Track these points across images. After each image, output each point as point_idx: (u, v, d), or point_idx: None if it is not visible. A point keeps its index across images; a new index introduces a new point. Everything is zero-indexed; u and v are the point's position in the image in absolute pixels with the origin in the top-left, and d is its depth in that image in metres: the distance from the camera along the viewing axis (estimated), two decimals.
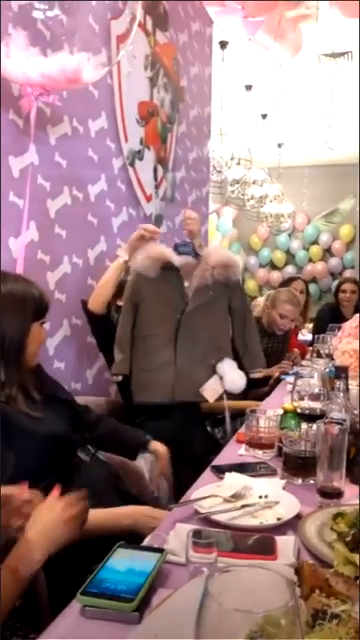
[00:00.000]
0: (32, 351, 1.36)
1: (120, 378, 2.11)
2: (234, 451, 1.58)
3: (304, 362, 3.00)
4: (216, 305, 2.19)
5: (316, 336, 3.62)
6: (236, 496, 1.18)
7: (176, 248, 2.18)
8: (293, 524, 1.08)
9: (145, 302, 2.12)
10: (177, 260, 2.14)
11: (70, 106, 2.06)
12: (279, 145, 6.57)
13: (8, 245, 1.78)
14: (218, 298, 2.19)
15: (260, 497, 1.19)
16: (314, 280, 8.12)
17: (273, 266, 8.44)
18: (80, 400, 1.69)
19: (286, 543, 1.00)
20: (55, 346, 2.08)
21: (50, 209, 2.03)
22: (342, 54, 4.56)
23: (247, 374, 2.24)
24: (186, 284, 2.18)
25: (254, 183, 5.86)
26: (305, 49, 4.38)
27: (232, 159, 4.86)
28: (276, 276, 8.23)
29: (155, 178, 2.85)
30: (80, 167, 2.19)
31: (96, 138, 2.29)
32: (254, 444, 1.55)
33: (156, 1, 2.67)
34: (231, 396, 2.40)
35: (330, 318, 4.16)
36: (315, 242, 8.15)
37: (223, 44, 4.41)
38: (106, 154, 2.39)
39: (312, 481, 1.28)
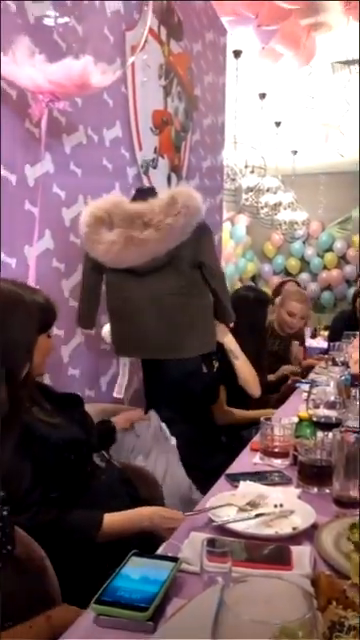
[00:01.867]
0: (38, 362, 1.32)
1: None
2: (248, 459, 1.57)
3: (319, 370, 2.98)
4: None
5: (331, 344, 3.59)
6: (251, 505, 1.17)
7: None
8: (309, 534, 1.07)
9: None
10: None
11: (85, 115, 2.08)
12: (293, 152, 6.57)
13: (24, 253, 1.80)
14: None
15: (275, 506, 1.18)
16: (329, 287, 8.07)
17: (287, 274, 8.41)
18: (93, 407, 1.70)
19: (302, 553, 0.99)
20: (69, 353, 2.08)
21: (65, 217, 2.05)
22: (356, 61, 4.56)
23: None
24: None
25: (268, 191, 5.86)
26: (319, 57, 4.39)
27: (246, 167, 4.87)
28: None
29: (169, 186, 2.86)
30: (95, 176, 2.21)
31: (111, 147, 2.31)
32: (269, 452, 1.53)
33: (169, 11, 2.70)
34: (240, 405, 2.38)
35: (346, 326, 4.13)
36: (330, 249, 8.11)
37: (237, 53, 4.44)
38: (120, 163, 2.41)
39: (328, 490, 1.27)
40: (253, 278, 8.37)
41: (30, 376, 1.32)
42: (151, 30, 2.47)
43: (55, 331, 1.85)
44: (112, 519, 1.28)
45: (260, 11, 3.70)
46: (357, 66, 4.58)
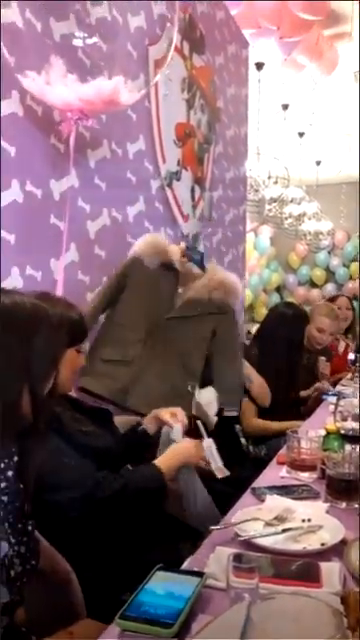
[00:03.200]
0: (65, 377, 1.32)
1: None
2: (275, 473, 1.54)
3: (346, 382, 2.92)
4: (200, 325, 2.02)
5: (358, 355, 3.52)
6: (278, 519, 1.15)
7: (187, 250, 2.03)
8: (337, 550, 1.04)
9: (131, 289, 1.95)
10: (179, 263, 1.99)
11: (109, 129, 2.11)
12: (317, 163, 6.54)
13: (50, 266, 1.82)
14: (205, 319, 2.01)
15: (303, 521, 1.15)
16: (355, 298, 7.95)
17: (312, 284, 8.32)
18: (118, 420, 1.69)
19: (331, 570, 0.96)
20: None
21: (90, 230, 2.07)
22: None
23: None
24: (179, 290, 2.02)
25: (292, 201, 5.83)
26: (342, 67, 4.38)
27: (269, 178, 4.86)
28: (316, 294, 8.11)
29: (192, 198, 2.87)
30: (119, 189, 2.23)
31: (134, 160, 2.34)
32: (296, 466, 1.51)
33: (192, 25, 2.73)
34: (269, 416, 2.35)
35: None
36: (355, 259, 8.00)
37: (259, 65, 4.46)
38: (144, 176, 2.43)
39: (357, 505, 1.24)
40: (278, 289, 8.32)
41: (56, 390, 1.33)
42: (174, 44, 2.50)
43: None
44: (162, 461, 1.36)
45: (282, 23, 3.72)
46: None
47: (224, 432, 2.19)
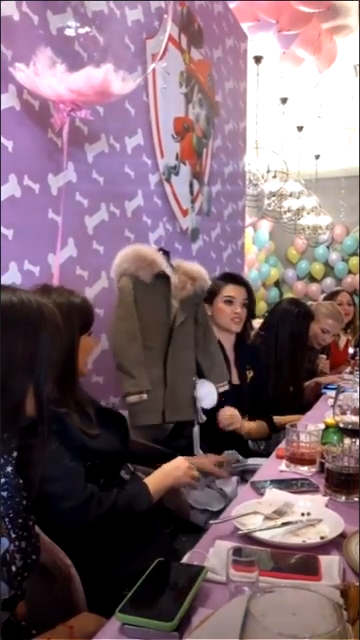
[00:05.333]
0: (82, 362, 1.36)
1: (145, 396, 1.85)
2: (274, 467, 1.54)
3: (346, 375, 2.93)
4: (189, 321, 2.02)
5: (358, 349, 3.53)
6: (277, 513, 1.15)
7: (164, 254, 1.99)
8: (337, 543, 1.04)
9: (139, 310, 1.90)
10: (169, 268, 1.95)
11: (107, 124, 2.10)
12: (316, 157, 6.52)
13: (48, 261, 1.82)
14: (190, 314, 2.02)
15: (302, 515, 1.15)
16: (354, 292, 7.95)
17: (311, 278, 8.32)
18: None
19: (330, 563, 0.96)
20: (94, 360, 2.09)
21: (88, 225, 2.06)
22: None
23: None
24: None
25: (291, 195, 5.82)
26: (341, 60, 4.36)
27: (268, 172, 4.85)
28: (315, 288, 8.11)
29: (191, 192, 2.86)
30: (117, 183, 2.22)
31: (132, 155, 2.33)
32: (295, 460, 1.51)
33: (190, 19, 2.71)
34: (270, 411, 2.35)
35: None
36: (354, 253, 7.99)
37: (258, 59, 4.45)
38: (142, 170, 2.42)
39: (356, 498, 1.24)
40: (277, 284, 8.31)
41: (77, 376, 1.33)
42: (171, 38, 2.49)
43: None
44: (153, 481, 1.35)
45: (280, 16, 3.69)
46: None
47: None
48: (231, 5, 3.43)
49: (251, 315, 2.28)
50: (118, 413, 1.56)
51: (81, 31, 1.57)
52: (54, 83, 1.50)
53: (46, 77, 1.48)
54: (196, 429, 1.91)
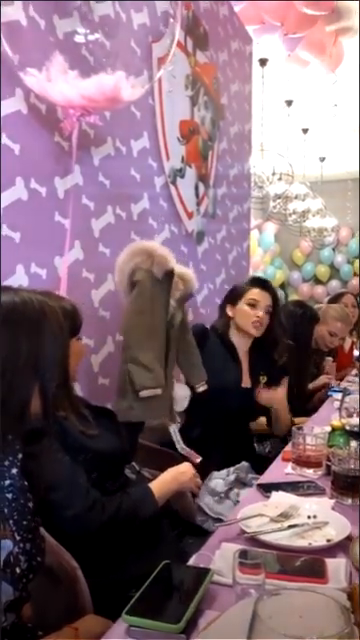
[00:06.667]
0: (73, 368, 1.36)
1: (160, 391, 1.79)
2: (280, 469, 1.54)
3: (352, 378, 2.92)
4: (181, 322, 1.98)
5: None
6: (283, 516, 1.15)
7: None
8: (343, 546, 1.04)
9: (152, 306, 1.85)
10: (177, 266, 1.91)
11: (113, 127, 2.11)
12: (321, 159, 6.52)
13: (54, 264, 1.82)
14: (179, 313, 1.97)
15: (308, 517, 1.15)
16: (359, 294, 7.93)
17: (317, 281, 8.31)
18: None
19: (337, 566, 0.96)
20: (100, 362, 2.10)
21: (94, 228, 2.07)
22: None
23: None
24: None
25: (296, 198, 5.82)
26: (347, 62, 4.35)
27: (273, 174, 4.85)
28: (320, 291, 8.09)
29: (197, 195, 2.86)
30: (123, 186, 2.23)
31: (138, 157, 2.33)
32: (301, 462, 1.51)
33: (195, 22, 2.72)
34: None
35: None
36: None
37: (263, 61, 4.45)
38: (148, 173, 2.42)
39: None
40: (282, 286, 8.31)
41: (69, 382, 1.34)
42: (177, 41, 2.49)
43: (85, 340, 1.86)
44: (157, 486, 1.36)
45: (286, 19, 3.70)
46: None
47: (237, 429, 2.17)
48: (236, 9, 3.43)
49: (278, 323, 2.25)
50: (109, 410, 1.56)
51: (90, 37, 1.57)
52: (66, 89, 1.51)
53: (58, 83, 1.49)
54: (173, 427, 1.89)
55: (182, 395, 1.95)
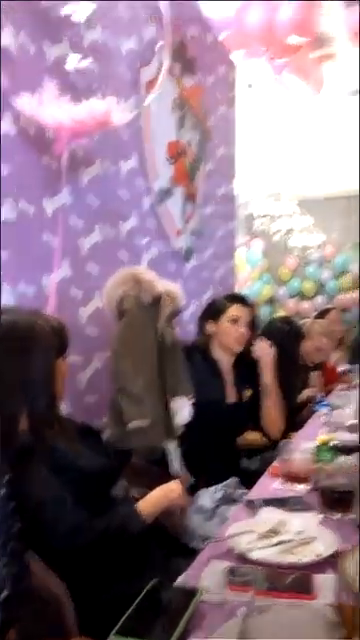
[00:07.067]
0: (60, 387, 1.34)
1: (148, 422, 1.76)
2: (269, 485, 1.55)
3: (338, 393, 2.95)
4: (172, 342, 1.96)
5: (350, 366, 3.56)
6: (272, 532, 1.16)
7: None
8: (332, 562, 1.05)
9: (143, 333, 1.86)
10: (164, 283, 1.91)
11: (102, 148, 2.14)
12: (306, 178, 6.64)
13: (42, 283, 1.84)
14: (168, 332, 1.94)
15: (297, 533, 1.16)
16: (345, 310, 8.01)
17: (303, 297, 8.38)
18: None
19: (326, 581, 0.97)
20: (87, 380, 2.10)
21: (82, 247, 2.09)
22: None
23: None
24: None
25: (282, 216, 5.92)
26: (329, 87, 4.48)
27: (259, 193, 4.94)
28: (307, 306, 8.16)
29: (184, 214, 2.90)
30: (111, 205, 2.26)
31: (127, 177, 2.37)
32: (290, 477, 1.52)
33: (182, 48, 2.78)
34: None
35: None
36: (345, 272, 8.08)
37: (248, 85, 4.56)
38: (136, 192, 2.46)
39: (350, 516, 1.25)
40: (269, 301, 8.36)
41: (56, 402, 1.33)
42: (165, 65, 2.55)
43: (73, 358, 1.87)
44: (145, 505, 1.35)
45: (270, 45, 3.80)
46: None
47: (225, 445, 2.17)
48: (222, 35, 3.53)
49: (255, 335, 2.29)
50: (95, 429, 1.56)
51: (81, 64, 1.62)
52: (57, 113, 1.54)
53: (50, 107, 1.53)
54: (173, 446, 1.88)
55: (182, 407, 1.91)
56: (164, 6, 2.17)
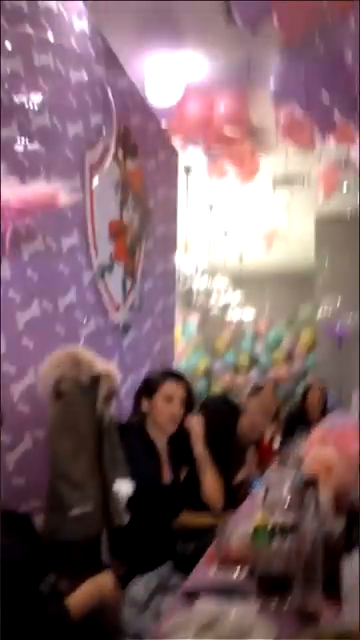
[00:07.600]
0: None
1: (89, 509, 1.73)
2: (205, 572, 1.51)
3: (272, 471, 2.96)
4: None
5: (283, 443, 3.61)
6: (207, 627, 1.12)
7: None
8: None
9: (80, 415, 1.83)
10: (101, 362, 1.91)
11: (45, 224, 2.18)
12: (240, 257, 7.01)
13: None
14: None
15: (232, 629, 1.12)
16: (277, 385, 8.23)
17: (237, 370, 8.56)
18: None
19: None
20: (15, 461, 2.00)
21: (18, 321, 2.06)
22: (293, 180, 5.09)
23: None
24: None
25: (217, 292, 6.15)
26: (262, 174, 4.86)
27: (197, 270, 5.14)
28: (240, 380, 8.31)
29: (124, 289, 2.96)
30: (51, 281, 2.27)
31: (68, 254, 2.40)
32: (226, 562, 1.49)
33: (126, 135, 2.95)
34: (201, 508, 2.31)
35: (296, 422, 4.19)
36: (277, 346, 8.38)
37: (187, 169, 4.88)
38: (77, 268, 2.49)
39: (288, 602, 1.23)
40: (204, 374, 8.46)
41: None
42: (109, 149, 2.69)
43: (2, 436, 1.79)
44: (74, 601, 1.30)
45: (207, 136, 4.12)
46: (294, 185, 5.12)
47: (160, 529, 2.10)
48: (164, 125, 3.79)
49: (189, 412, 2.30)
50: (23, 515, 1.48)
51: (29, 147, 1.69)
52: (5, 193, 1.58)
53: None
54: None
55: (126, 490, 1.85)
56: (111, 95, 2.32)
